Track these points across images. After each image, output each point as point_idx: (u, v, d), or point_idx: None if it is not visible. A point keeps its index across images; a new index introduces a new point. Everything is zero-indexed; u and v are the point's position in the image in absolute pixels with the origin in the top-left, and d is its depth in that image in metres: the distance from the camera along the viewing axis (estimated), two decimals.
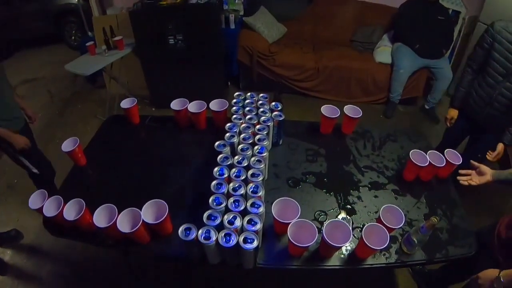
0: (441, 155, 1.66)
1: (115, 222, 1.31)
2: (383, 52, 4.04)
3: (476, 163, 1.63)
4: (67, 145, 1.78)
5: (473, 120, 2.39)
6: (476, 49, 2.22)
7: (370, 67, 4.01)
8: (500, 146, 2.09)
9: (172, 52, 3.66)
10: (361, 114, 1.91)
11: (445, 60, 3.96)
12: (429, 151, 1.68)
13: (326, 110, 1.93)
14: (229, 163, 1.43)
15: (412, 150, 1.67)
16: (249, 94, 1.86)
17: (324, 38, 4.52)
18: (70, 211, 1.41)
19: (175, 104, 1.94)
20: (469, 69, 2.32)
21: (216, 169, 1.40)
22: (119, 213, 1.34)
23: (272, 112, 1.74)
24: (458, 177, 1.63)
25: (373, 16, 4.43)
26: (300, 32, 4.54)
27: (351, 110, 1.93)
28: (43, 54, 6.24)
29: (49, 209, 1.43)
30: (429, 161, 1.62)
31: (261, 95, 1.86)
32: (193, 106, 1.94)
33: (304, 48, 4.26)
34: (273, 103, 1.81)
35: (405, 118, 4.13)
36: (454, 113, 2.49)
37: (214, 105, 1.89)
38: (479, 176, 1.62)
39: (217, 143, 1.52)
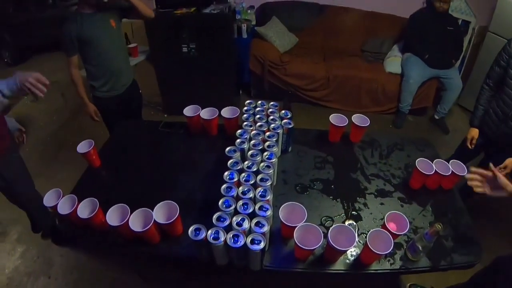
0: (448, 164, 1.68)
1: (127, 221, 1.36)
2: (393, 62, 4.07)
3: (496, 170, 1.42)
4: (82, 147, 1.85)
5: (488, 138, 2.38)
6: (493, 66, 2.25)
7: (380, 77, 4.04)
8: (509, 161, 1.94)
9: (185, 60, 3.76)
10: (368, 123, 1.95)
11: (455, 70, 3.98)
12: (436, 160, 1.70)
13: (335, 118, 1.98)
14: (239, 167, 1.47)
15: (419, 159, 1.69)
16: (259, 102, 1.92)
17: (334, 48, 4.57)
18: (84, 210, 1.46)
19: (188, 111, 2.00)
20: (487, 87, 2.34)
21: (226, 173, 1.44)
22: (131, 213, 1.39)
23: (282, 120, 1.79)
24: (467, 176, 1.49)
25: (383, 26, 4.47)
26: (311, 42, 4.60)
27: (358, 119, 1.97)
28: (58, 60, 6.37)
29: (64, 207, 1.49)
30: (435, 170, 1.64)
31: (272, 103, 1.91)
32: (205, 113, 2.00)
33: (315, 58, 4.31)
34: (283, 111, 1.86)
35: (414, 128, 4.14)
36: (474, 132, 2.46)
37: (226, 112, 1.95)
38: (493, 187, 1.42)
39: (228, 148, 1.57)
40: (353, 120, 1.96)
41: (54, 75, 6.18)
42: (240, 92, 4.59)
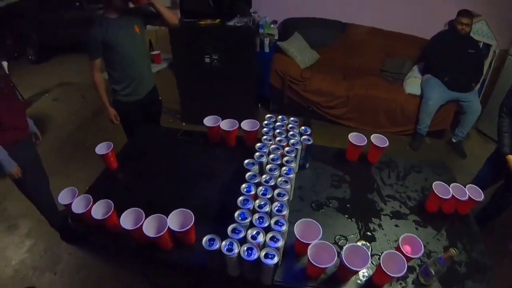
0: (465, 189, 1.67)
1: (141, 226, 1.38)
2: (413, 83, 4.06)
3: None
4: (101, 148, 1.89)
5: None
6: (509, 94, 2.27)
7: (399, 97, 4.02)
8: None
9: (207, 71, 3.83)
10: (387, 143, 1.94)
11: (475, 93, 3.93)
12: (452, 184, 1.69)
13: (354, 137, 1.98)
14: (256, 181, 1.48)
15: (436, 182, 1.68)
16: (280, 117, 1.94)
17: (355, 67, 4.56)
18: (98, 211, 1.49)
19: (208, 121, 2.03)
20: (504, 115, 2.33)
21: (244, 185, 1.46)
22: (145, 218, 1.41)
23: (301, 136, 1.80)
24: None
25: (404, 47, 4.47)
26: (332, 59, 4.61)
27: (378, 139, 1.97)
28: (81, 61, 6.50)
29: (78, 206, 1.52)
30: (452, 194, 1.63)
31: (292, 119, 1.93)
32: (225, 124, 2.03)
33: (335, 76, 4.32)
34: (303, 127, 1.87)
35: (431, 150, 4.10)
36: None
37: (246, 124, 1.97)
38: None
39: (246, 161, 1.59)
40: (372, 140, 1.96)
41: (75, 76, 6.35)
42: (259, 105, 4.61)
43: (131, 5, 2.46)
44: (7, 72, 5.18)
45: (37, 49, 8.13)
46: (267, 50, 4.31)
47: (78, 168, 3.62)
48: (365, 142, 1.97)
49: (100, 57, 2.51)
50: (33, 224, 3.04)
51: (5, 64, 5.35)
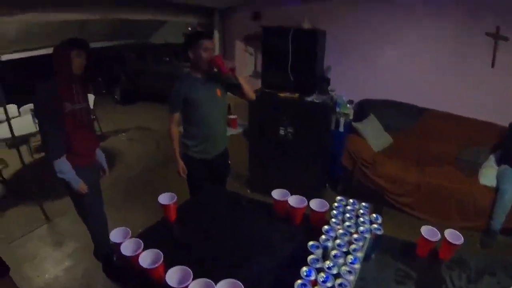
0: None
1: (186, 287, 1.32)
2: (488, 174, 3.77)
3: None
4: (164, 198, 1.90)
5: None
6: None
7: (473, 189, 3.73)
8: None
9: (280, 142, 3.87)
10: (462, 240, 1.77)
11: None
12: None
13: (426, 231, 1.81)
14: (318, 266, 1.40)
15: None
16: (351, 201, 1.87)
17: (428, 154, 4.36)
18: (146, 258, 1.46)
19: (277, 194, 1.98)
20: None
21: (304, 268, 1.37)
22: (192, 279, 1.35)
23: (371, 224, 1.68)
24: None
25: (481, 134, 4.23)
26: (405, 144, 4.47)
27: (452, 235, 1.79)
28: (161, 110, 6.93)
29: (127, 249, 1.51)
30: None
31: (363, 204, 1.84)
32: (293, 200, 1.96)
33: (407, 162, 4.17)
34: (374, 215, 1.77)
35: (504, 249, 3.68)
36: None
37: (315, 204, 1.89)
38: None
39: (310, 243, 1.52)
40: (446, 236, 1.79)
41: (154, 122, 6.71)
42: (326, 184, 4.51)
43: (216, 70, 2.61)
44: (91, 106, 5.66)
45: (123, 92, 8.84)
46: (341, 129, 4.29)
47: (136, 209, 3.70)
48: (438, 237, 1.79)
49: (179, 112, 2.65)
50: (79, 246, 3.13)
51: (91, 97, 5.84)
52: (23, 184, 4.22)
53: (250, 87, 2.75)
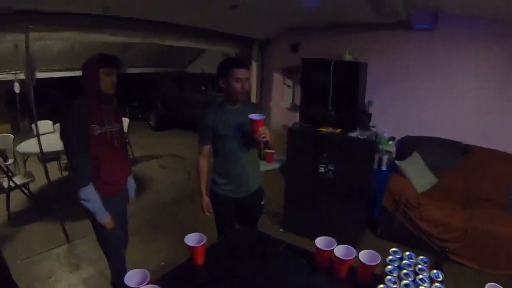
0: None
1: None
2: None
3: None
4: (191, 239, 1.71)
5: None
6: None
7: None
8: None
9: (319, 181, 3.64)
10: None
11: None
12: None
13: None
14: None
15: None
16: (407, 253, 1.65)
17: (476, 195, 4.03)
18: None
19: (321, 242, 1.73)
20: None
21: None
22: None
23: (431, 283, 1.46)
24: None
25: None
26: (451, 185, 4.16)
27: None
28: (194, 139, 6.87)
29: None
30: None
31: (421, 258, 1.62)
32: (340, 250, 1.71)
33: (453, 204, 3.87)
34: (434, 271, 1.51)
35: None
36: None
37: (365, 256, 1.64)
38: None
39: None
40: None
41: (186, 151, 6.66)
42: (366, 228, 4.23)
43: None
44: (125, 129, 5.61)
45: (158, 118, 8.96)
46: (384, 168, 4.05)
47: (160, 240, 3.60)
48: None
49: (208, 144, 2.47)
50: (95, 273, 3.01)
51: (126, 121, 5.83)
52: (47, 200, 4.15)
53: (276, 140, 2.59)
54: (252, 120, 2.17)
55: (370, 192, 3.72)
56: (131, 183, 2.55)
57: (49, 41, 4.86)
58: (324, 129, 3.53)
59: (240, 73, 2.28)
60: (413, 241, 3.71)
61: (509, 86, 4.00)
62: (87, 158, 2.11)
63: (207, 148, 2.48)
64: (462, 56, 4.15)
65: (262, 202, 2.73)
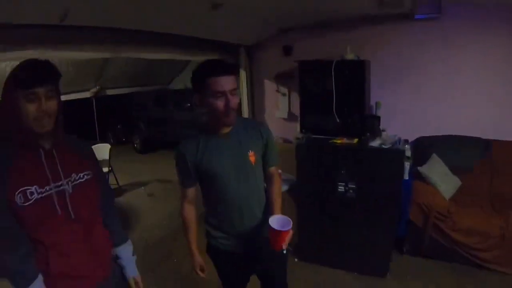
0: None
1: None
2: None
3: None
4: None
5: None
6: None
7: None
8: None
9: (338, 202, 3.13)
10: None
11: None
12: None
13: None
14: None
15: None
16: None
17: (506, 194, 3.61)
18: None
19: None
20: None
21: None
22: None
23: None
24: None
25: None
26: (476, 186, 3.71)
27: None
28: None
29: None
30: None
31: None
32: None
33: (484, 208, 3.45)
34: None
35: None
36: None
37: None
38: None
39: None
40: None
41: (175, 174, 6.12)
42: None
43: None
44: (106, 156, 5.10)
45: (143, 140, 8.54)
46: (406, 177, 3.50)
47: (154, 284, 3.07)
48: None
49: (194, 186, 1.82)
50: None
51: (106, 147, 5.32)
52: None
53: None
54: (273, 230, 1.56)
55: (400, 208, 3.22)
56: (126, 255, 1.70)
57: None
58: (338, 141, 3.03)
59: (220, 83, 1.54)
60: (445, 254, 3.33)
61: None
62: (19, 244, 1.28)
63: (192, 190, 1.83)
64: (468, 45, 3.82)
65: (284, 248, 1.65)
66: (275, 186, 1.86)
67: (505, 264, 3.23)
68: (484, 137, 3.87)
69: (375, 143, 2.97)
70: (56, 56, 2.97)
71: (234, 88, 1.57)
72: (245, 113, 4.82)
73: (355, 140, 3.02)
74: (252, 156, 1.74)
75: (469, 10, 3.68)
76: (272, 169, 1.91)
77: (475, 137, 3.89)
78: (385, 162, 2.95)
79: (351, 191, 2.98)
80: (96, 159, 1.62)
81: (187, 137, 1.75)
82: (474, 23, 3.71)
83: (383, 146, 2.92)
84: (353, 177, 2.98)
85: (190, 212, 1.85)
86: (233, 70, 1.64)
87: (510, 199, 3.55)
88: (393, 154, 2.95)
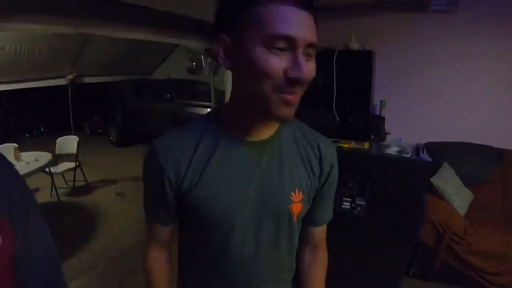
0: None
1: None
2: None
3: None
4: None
5: None
6: None
7: None
8: None
9: (343, 221, 2.56)
10: None
11: None
12: None
13: None
14: None
15: None
16: None
17: None
18: None
19: None
20: None
21: None
22: None
23: None
24: None
25: None
26: (489, 201, 3.30)
27: None
28: None
29: None
30: None
31: None
32: None
33: (501, 227, 2.98)
34: None
35: None
36: None
37: None
38: None
39: None
40: None
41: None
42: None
43: None
44: (74, 149, 4.56)
45: (119, 132, 8.03)
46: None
47: None
48: None
49: (169, 224, 1.00)
50: None
51: (74, 139, 4.78)
52: None
53: None
54: None
55: (417, 230, 2.72)
56: None
57: None
58: (345, 145, 2.47)
59: (290, 19, 0.72)
60: (457, 278, 2.89)
61: None
62: None
63: (167, 231, 1.01)
64: (486, 45, 3.40)
65: None
66: (321, 271, 1.14)
67: None
68: (496, 146, 3.50)
69: (391, 150, 2.43)
70: (4, 28, 2.39)
71: (313, 43, 0.76)
72: None
73: (366, 145, 2.50)
74: (298, 201, 0.93)
75: (488, 3, 3.27)
76: (320, 231, 1.13)
77: (487, 145, 3.51)
78: (405, 174, 2.42)
79: (358, 208, 2.43)
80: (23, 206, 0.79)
81: (173, 130, 0.95)
82: (493, 20, 3.31)
83: (404, 155, 2.37)
84: (363, 192, 2.44)
85: (160, 265, 1.04)
86: (315, 6, 0.78)
87: None
88: (417, 165, 2.41)
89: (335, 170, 1.02)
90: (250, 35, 0.74)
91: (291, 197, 0.91)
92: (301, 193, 0.93)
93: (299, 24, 0.73)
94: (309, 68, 0.75)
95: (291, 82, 0.74)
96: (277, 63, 0.73)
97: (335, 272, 2.07)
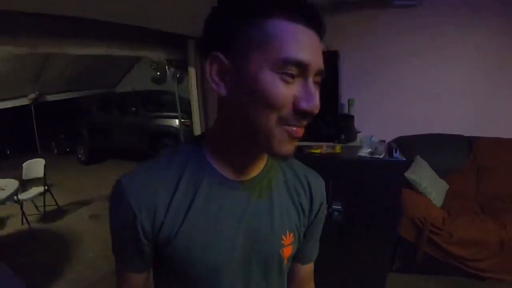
0: None
1: None
2: None
3: None
4: None
5: None
6: None
7: None
8: None
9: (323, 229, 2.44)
10: None
11: None
12: None
13: None
14: None
15: None
16: None
17: (493, 196, 3.33)
18: None
19: None
20: None
21: None
22: None
23: None
24: None
25: None
26: (463, 190, 3.39)
27: None
28: (130, 169, 5.90)
29: None
30: None
31: None
32: None
33: (478, 214, 3.05)
34: None
35: None
36: None
37: None
38: None
39: None
40: None
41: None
42: None
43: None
44: (41, 173, 4.39)
45: (87, 150, 7.80)
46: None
47: None
48: None
49: (143, 272, 0.83)
50: None
51: (41, 162, 4.58)
52: None
53: None
54: None
55: (397, 230, 2.72)
56: None
57: None
58: (317, 150, 2.38)
59: (305, 42, 0.64)
60: (440, 268, 2.94)
61: (507, 67, 3.43)
62: None
63: (142, 278, 0.83)
64: (450, 37, 3.50)
65: None
66: None
67: (502, 271, 2.89)
68: (466, 134, 3.60)
69: (364, 151, 2.37)
70: None
71: (322, 69, 0.68)
72: (196, 124, 4.14)
73: (338, 149, 2.44)
74: (289, 244, 0.85)
75: None
76: (309, 268, 1.02)
77: (457, 134, 3.61)
78: (379, 175, 2.37)
79: (336, 213, 2.36)
80: None
81: (145, 164, 0.79)
82: (456, 12, 3.40)
83: (377, 156, 2.30)
84: (338, 196, 2.38)
85: None
86: (324, 29, 0.68)
87: (499, 200, 3.23)
88: (391, 166, 2.36)
89: (323, 207, 0.95)
90: (255, 56, 0.63)
91: (282, 241, 0.83)
92: (291, 234, 0.85)
93: (312, 48, 0.65)
94: (317, 100, 0.66)
95: (300, 114, 0.65)
96: (287, 91, 0.64)
97: (320, 278, 2.03)
